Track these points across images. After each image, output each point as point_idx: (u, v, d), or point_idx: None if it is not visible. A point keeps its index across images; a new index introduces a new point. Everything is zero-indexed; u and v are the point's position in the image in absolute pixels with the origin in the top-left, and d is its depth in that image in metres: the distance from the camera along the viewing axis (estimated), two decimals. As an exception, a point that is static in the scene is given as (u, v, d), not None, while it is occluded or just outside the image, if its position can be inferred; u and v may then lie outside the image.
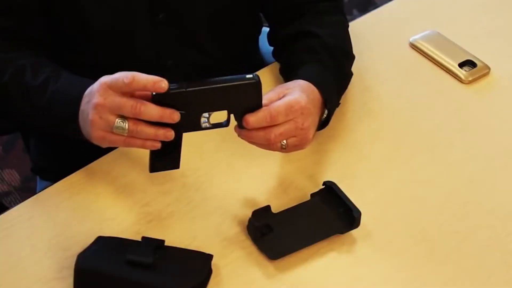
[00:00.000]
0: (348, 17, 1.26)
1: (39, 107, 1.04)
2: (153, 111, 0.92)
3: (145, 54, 1.18)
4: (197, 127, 0.97)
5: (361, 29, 1.35)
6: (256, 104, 0.96)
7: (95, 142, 0.98)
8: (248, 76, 0.95)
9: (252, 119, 0.96)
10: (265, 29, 1.30)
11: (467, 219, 1.05)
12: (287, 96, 1.00)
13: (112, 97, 0.93)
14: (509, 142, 1.16)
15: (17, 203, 1.06)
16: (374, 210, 1.04)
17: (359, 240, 1.01)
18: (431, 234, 1.03)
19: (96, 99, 0.93)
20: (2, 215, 1.04)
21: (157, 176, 1.07)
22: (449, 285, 0.97)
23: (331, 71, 1.12)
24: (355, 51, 1.23)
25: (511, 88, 1.26)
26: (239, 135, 0.99)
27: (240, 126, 0.98)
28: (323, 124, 1.10)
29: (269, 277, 0.97)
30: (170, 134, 0.94)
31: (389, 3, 1.43)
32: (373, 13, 1.42)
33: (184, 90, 0.93)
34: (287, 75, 1.15)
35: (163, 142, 0.96)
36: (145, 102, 0.92)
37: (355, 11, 2.66)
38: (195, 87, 0.94)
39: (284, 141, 1.00)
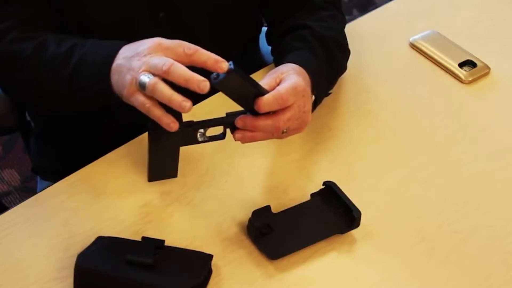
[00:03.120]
0: (348, 17, 1.27)
1: (65, 74, 1.02)
2: (183, 70, 0.90)
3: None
4: (193, 141, 0.98)
5: (361, 29, 1.36)
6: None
7: (126, 99, 0.95)
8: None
9: (264, 102, 0.95)
10: (265, 29, 1.30)
11: (467, 219, 1.05)
12: (288, 80, 0.99)
13: (156, 55, 0.91)
14: (509, 142, 1.16)
15: (17, 203, 1.06)
16: (374, 210, 1.04)
17: (359, 240, 1.01)
18: (431, 234, 1.03)
19: (143, 52, 0.92)
20: (2, 215, 1.04)
21: (157, 176, 1.07)
22: (449, 285, 0.97)
23: (321, 58, 1.12)
24: (355, 51, 1.23)
25: (511, 88, 1.26)
26: (241, 139, 0.99)
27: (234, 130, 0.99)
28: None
29: (269, 277, 0.97)
30: (187, 106, 0.90)
31: (389, 3, 1.43)
32: (373, 13, 1.42)
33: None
34: (277, 62, 1.15)
35: (162, 155, 0.98)
36: (176, 62, 0.90)
37: (355, 11, 2.67)
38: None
39: (286, 128, 0.99)
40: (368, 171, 1.11)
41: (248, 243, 1.00)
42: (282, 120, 0.98)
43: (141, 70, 0.91)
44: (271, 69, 1.24)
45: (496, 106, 1.23)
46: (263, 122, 0.97)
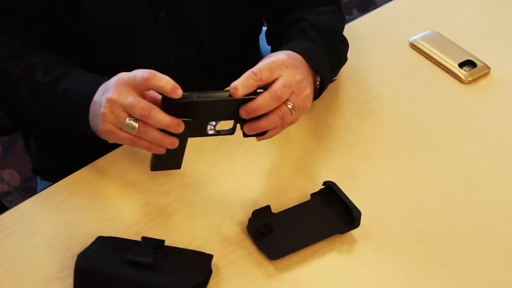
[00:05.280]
0: (348, 17, 1.27)
1: (49, 104, 1.04)
2: (162, 117, 0.93)
3: (146, 52, 1.18)
4: (203, 133, 0.98)
5: (361, 29, 1.36)
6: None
7: (103, 135, 0.98)
8: (258, 90, 0.96)
9: (235, 83, 0.94)
10: (265, 29, 1.30)
11: (467, 219, 1.05)
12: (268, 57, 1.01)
13: (126, 94, 0.93)
14: (509, 142, 1.16)
15: (17, 203, 1.06)
16: (374, 210, 1.04)
17: (359, 240, 1.01)
18: (431, 234, 1.03)
19: (110, 94, 0.94)
20: (2, 215, 1.04)
21: (157, 176, 1.07)
22: (449, 285, 0.97)
23: (319, 45, 1.11)
24: (355, 51, 1.23)
25: (511, 88, 1.26)
26: (249, 129, 0.98)
27: (247, 135, 0.99)
28: (318, 93, 1.10)
29: (269, 277, 0.97)
30: (175, 143, 0.96)
31: (389, 3, 1.43)
32: (373, 13, 1.42)
33: (193, 100, 0.93)
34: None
35: None
36: (155, 107, 0.93)
37: (355, 11, 2.67)
38: (205, 98, 0.95)
39: (290, 104, 0.98)
40: (368, 171, 1.11)
41: (248, 243, 1.00)
42: (278, 88, 0.96)
43: (117, 111, 0.94)
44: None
45: (496, 106, 1.23)
46: (261, 98, 0.96)
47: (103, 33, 1.14)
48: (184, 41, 1.20)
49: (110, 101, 0.94)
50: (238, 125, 0.99)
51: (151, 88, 0.94)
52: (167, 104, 0.93)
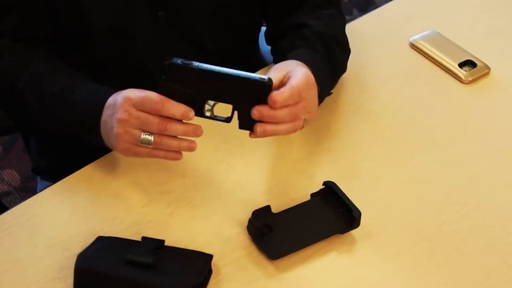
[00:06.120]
0: (348, 17, 1.26)
1: (57, 115, 1.06)
2: (179, 128, 0.95)
3: (146, 52, 1.18)
4: (200, 112, 0.97)
5: (361, 29, 1.36)
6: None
7: (120, 153, 1.00)
8: (262, 76, 0.96)
9: (280, 97, 0.95)
10: (264, 29, 1.30)
11: (467, 219, 1.05)
12: (298, 73, 1.00)
13: (137, 113, 0.95)
14: (509, 142, 1.16)
15: (17, 203, 1.06)
16: (374, 210, 1.04)
17: (359, 240, 1.01)
18: (431, 234, 1.03)
19: (121, 115, 0.96)
20: (2, 215, 1.04)
21: (157, 176, 1.07)
22: (449, 285, 0.97)
23: (322, 56, 1.12)
24: (355, 51, 1.23)
25: (511, 88, 1.26)
26: (263, 133, 0.97)
27: (243, 126, 0.97)
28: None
29: (269, 277, 0.97)
30: (193, 146, 0.97)
31: (389, 3, 1.43)
32: (373, 13, 1.42)
33: (196, 67, 0.94)
34: (278, 61, 1.15)
35: None
36: (170, 120, 0.95)
37: (355, 11, 2.67)
38: (209, 68, 0.95)
39: (305, 118, 1.00)
40: (368, 171, 1.11)
41: (248, 243, 1.00)
42: (299, 108, 0.98)
43: (130, 129, 0.96)
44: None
45: (496, 106, 1.23)
46: (281, 112, 0.96)
47: (103, 33, 1.14)
48: (184, 41, 1.20)
49: (121, 121, 0.96)
50: (235, 117, 0.98)
51: (160, 114, 0.95)
52: (169, 70, 0.94)
